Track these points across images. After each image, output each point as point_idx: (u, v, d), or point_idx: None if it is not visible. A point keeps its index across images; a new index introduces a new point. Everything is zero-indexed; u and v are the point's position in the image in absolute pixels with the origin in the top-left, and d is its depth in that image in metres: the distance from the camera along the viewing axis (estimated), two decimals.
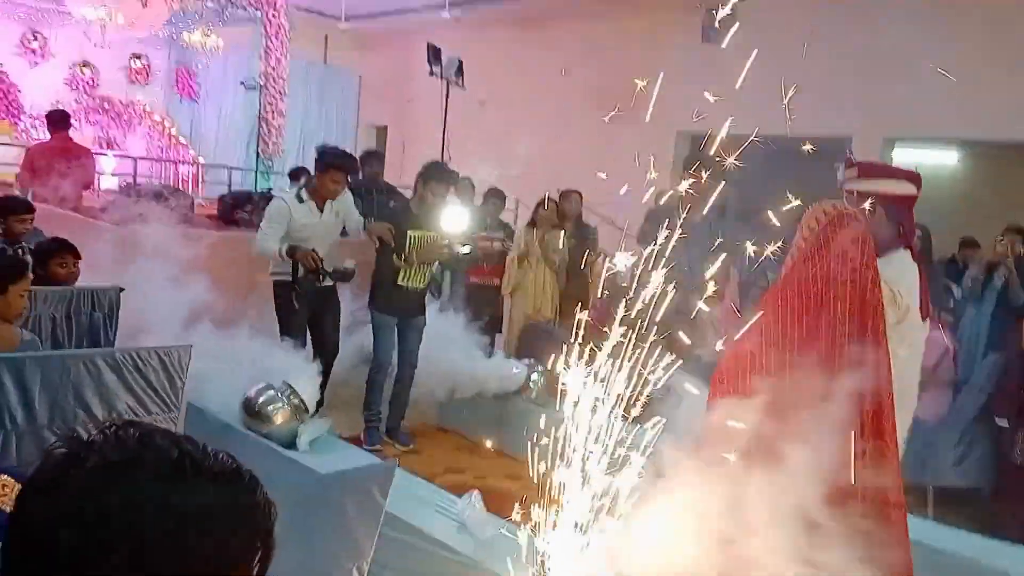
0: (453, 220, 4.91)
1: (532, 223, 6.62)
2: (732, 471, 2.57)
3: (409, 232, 4.91)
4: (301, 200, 4.84)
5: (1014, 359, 4.61)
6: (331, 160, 4.91)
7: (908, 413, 2.97)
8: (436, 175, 5.05)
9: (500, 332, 6.71)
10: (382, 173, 7.26)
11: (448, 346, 5.33)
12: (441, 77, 11.18)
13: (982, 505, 4.72)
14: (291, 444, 3.97)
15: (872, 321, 2.69)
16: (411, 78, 14.21)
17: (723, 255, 2.70)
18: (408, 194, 7.10)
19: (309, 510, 2.16)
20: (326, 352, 5.05)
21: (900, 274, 2.92)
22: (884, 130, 9.97)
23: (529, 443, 2.60)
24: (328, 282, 4.96)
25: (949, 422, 4.81)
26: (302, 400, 4.15)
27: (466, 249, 5.00)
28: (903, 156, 9.73)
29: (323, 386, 5.07)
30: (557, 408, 2.58)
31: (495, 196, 6.83)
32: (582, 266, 6.66)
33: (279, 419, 4.02)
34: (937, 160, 10.52)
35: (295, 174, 8.15)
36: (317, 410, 5.02)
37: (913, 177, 3.00)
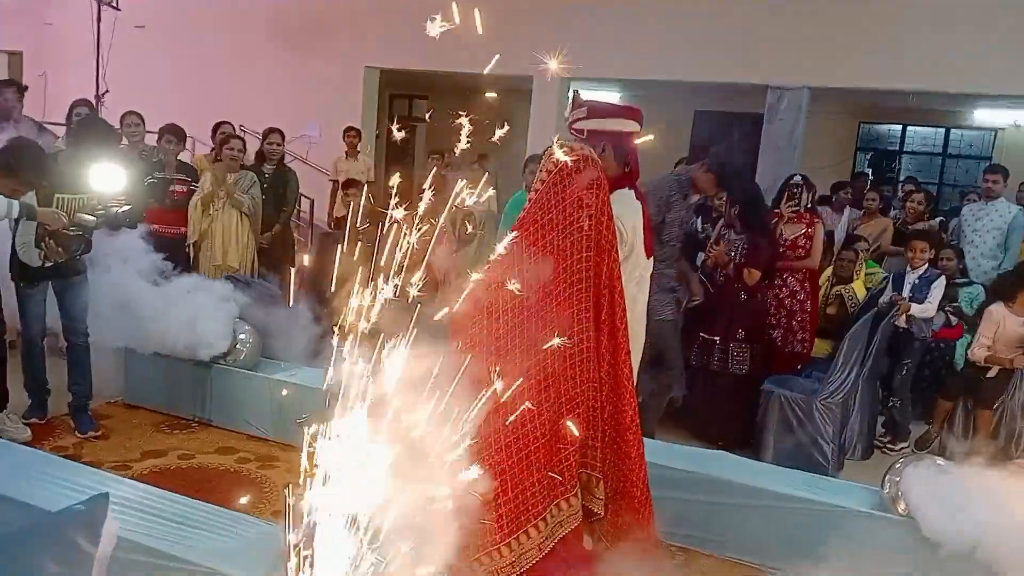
0: (106, 179, 4.09)
1: (216, 162, 5.91)
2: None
3: (56, 196, 4.03)
4: None
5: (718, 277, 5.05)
6: (26, 171, 3.83)
7: (641, 341, 3.06)
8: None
9: None
10: (20, 105, 5.98)
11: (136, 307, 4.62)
12: None
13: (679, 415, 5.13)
14: None
15: (607, 265, 2.70)
16: None
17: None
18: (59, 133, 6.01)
19: None
20: None
21: (626, 212, 2.95)
22: (561, 70, 10.46)
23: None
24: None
25: None
26: None
27: (125, 208, 4.22)
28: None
29: (1, 374, 4.19)
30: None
31: (172, 133, 5.95)
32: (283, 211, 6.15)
33: None
34: (604, 99, 11.32)
35: None
36: (2, 406, 4.18)
37: (636, 114, 3.03)
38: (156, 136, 6.01)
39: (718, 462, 3.85)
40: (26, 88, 6.05)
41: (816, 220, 5.42)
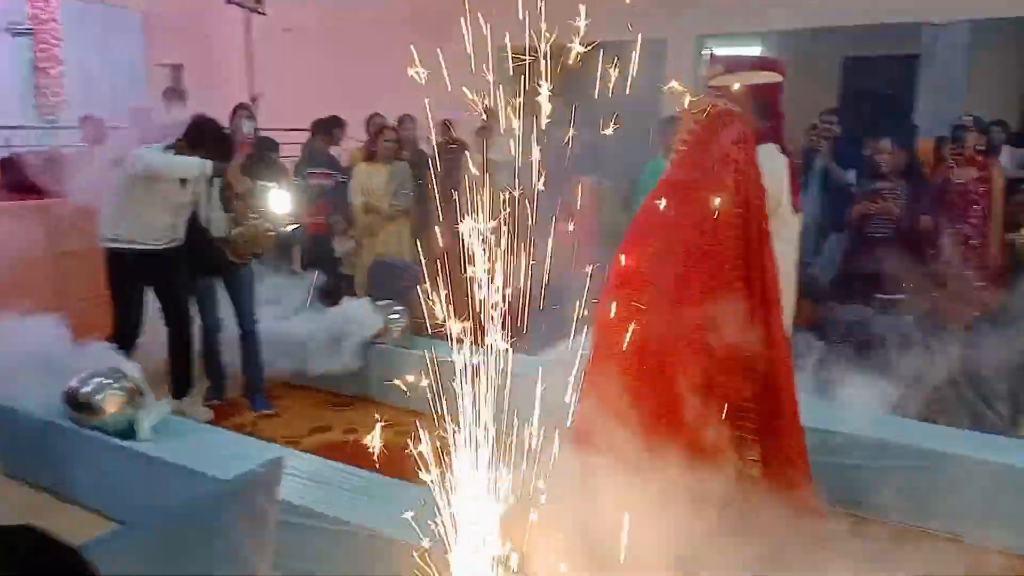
0: (278, 202, 4.37)
1: (369, 157, 6.10)
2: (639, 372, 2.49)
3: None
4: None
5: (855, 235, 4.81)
6: (209, 143, 4.21)
7: (791, 302, 2.95)
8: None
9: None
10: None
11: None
12: (239, 4, 10.25)
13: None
14: (128, 434, 3.50)
15: (756, 222, 2.60)
16: (204, 11, 12.99)
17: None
18: None
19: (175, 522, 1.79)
20: (179, 323, 4.45)
21: (770, 168, 2.84)
22: (695, 29, 10.15)
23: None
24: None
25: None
26: (136, 382, 3.67)
27: (294, 227, 4.46)
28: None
29: (187, 362, 4.55)
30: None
31: (334, 124, 6.21)
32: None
33: (111, 407, 3.53)
34: (743, 54, 10.87)
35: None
36: (187, 391, 4.53)
37: (775, 64, 2.90)
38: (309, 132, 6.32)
39: (886, 425, 3.66)
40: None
41: (991, 163, 5.04)
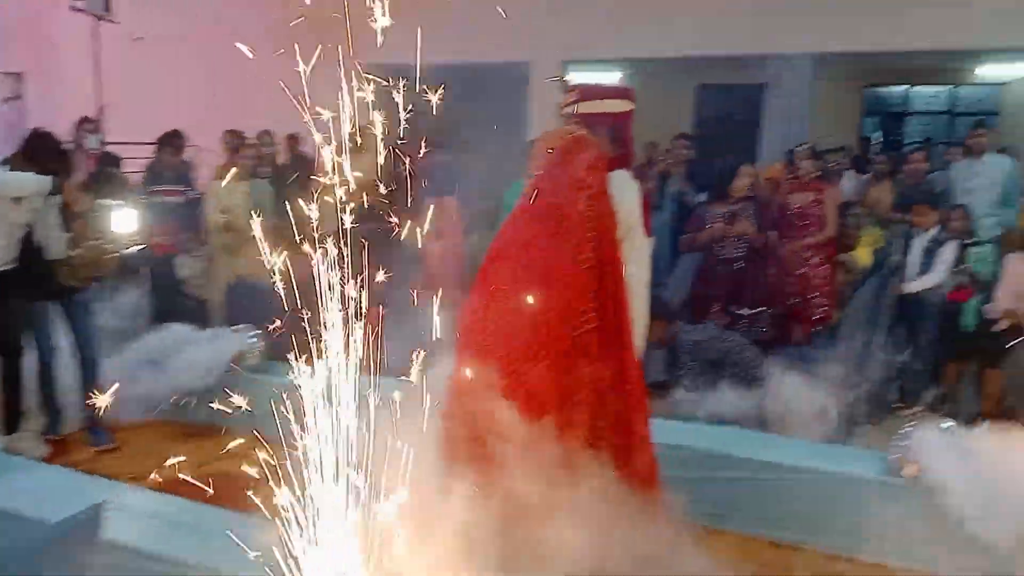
0: (121, 221, 4.17)
1: (222, 174, 5.86)
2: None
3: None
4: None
5: (705, 257, 5.04)
6: (47, 158, 4.03)
7: (643, 323, 3.04)
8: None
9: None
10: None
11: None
12: (86, 12, 9.72)
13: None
14: None
15: (608, 250, 2.68)
16: (48, 17, 12.21)
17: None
18: None
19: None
20: (10, 352, 4.19)
21: (622, 193, 2.92)
22: (560, 54, 10.39)
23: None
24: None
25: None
26: None
27: (138, 248, 4.27)
28: (576, 79, 10.22)
29: (19, 393, 4.23)
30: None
31: (174, 136, 5.92)
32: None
33: None
34: (605, 80, 11.23)
35: None
36: (18, 425, 4.20)
37: (627, 93, 3.00)
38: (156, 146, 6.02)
39: (727, 437, 3.83)
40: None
41: (826, 187, 5.39)
